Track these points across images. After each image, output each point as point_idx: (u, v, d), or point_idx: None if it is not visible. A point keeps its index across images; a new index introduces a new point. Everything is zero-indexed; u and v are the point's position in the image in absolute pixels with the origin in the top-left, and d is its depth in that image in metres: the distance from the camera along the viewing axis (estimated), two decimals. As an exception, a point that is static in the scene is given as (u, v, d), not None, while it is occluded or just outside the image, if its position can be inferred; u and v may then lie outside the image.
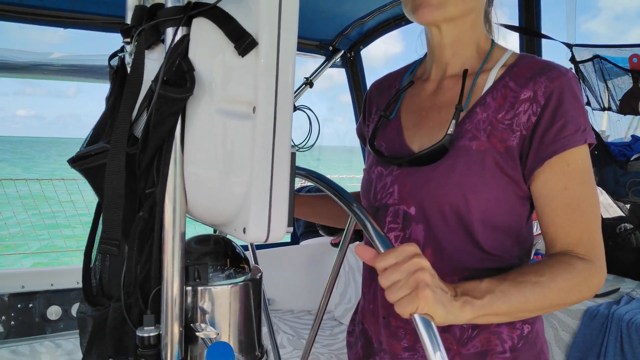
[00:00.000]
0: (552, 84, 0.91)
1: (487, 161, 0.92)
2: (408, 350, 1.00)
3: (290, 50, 0.71)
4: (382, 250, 0.76)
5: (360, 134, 1.28)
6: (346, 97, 3.05)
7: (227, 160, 0.72)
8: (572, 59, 1.83)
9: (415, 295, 0.71)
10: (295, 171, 1.04)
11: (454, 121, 0.95)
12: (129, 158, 0.72)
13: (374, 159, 1.09)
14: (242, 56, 0.69)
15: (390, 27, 2.59)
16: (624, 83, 1.72)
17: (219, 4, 0.70)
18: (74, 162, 0.76)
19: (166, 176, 0.71)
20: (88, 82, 2.06)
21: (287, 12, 0.70)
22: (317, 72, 2.78)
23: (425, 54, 1.13)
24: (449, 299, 0.75)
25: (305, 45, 2.68)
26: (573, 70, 1.86)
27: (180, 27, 0.70)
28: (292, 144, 0.76)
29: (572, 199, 0.89)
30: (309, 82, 2.74)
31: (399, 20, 2.51)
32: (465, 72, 1.00)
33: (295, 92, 2.74)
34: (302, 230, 3.26)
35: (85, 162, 0.74)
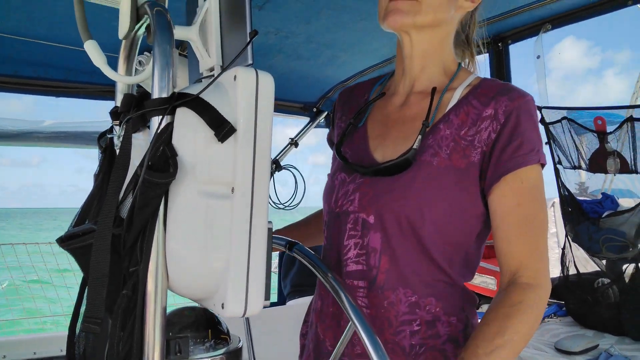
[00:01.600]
0: (512, 103, 0.96)
1: (446, 178, 0.97)
2: (361, 357, 1.01)
3: (266, 135, 0.77)
4: (355, 322, 0.79)
5: (330, 139, 1.31)
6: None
7: (207, 238, 0.76)
8: (542, 120, 1.93)
9: None
10: (280, 243, 1.09)
11: (419, 136, 0.99)
12: (114, 238, 0.76)
13: (339, 164, 1.12)
14: (222, 142, 0.75)
15: (372, 90, 2.71)
16: (592, 143, 1.81)
17: (201, 95, 0.76)
18: (62, 242, 0.80)
19: (149, 255, 0.75)
20: (79, 149, 2.12)
21: (263, 101, 0.77)
22: (302, 132, 2.87)
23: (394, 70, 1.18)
24: None
25: (291, 107, 2.78)
26: (544, 131, 1.95)
27: (165, 116, 0.76)
28: (269, 220, 0.81)
29: (524, 215, 0.95)
30: (294, 142, 2.83)
31: (379, 83, 2.64)
32: (434, 89, 1.05)
33: (281, 152, 2.83)
34: (288, 290, 3.26)
35: (73, 242, 0.78)
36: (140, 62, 1.69)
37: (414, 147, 0.98)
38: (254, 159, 0.76)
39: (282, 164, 2.80)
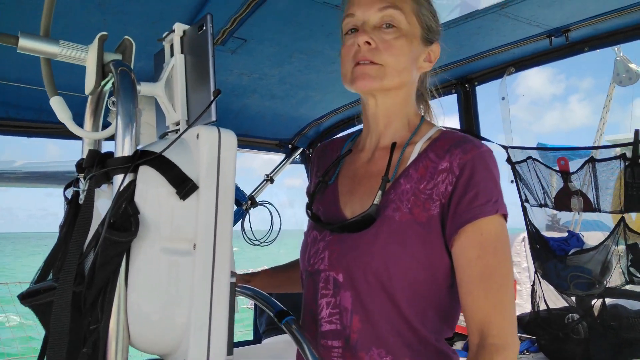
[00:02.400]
0: (465, 156, 0.97)
1: (409, 232, 0.98)
2: None
3: (228, 192, 0.79)
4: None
5: (309, 193, 1.32)
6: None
7: (169, 294, 0.77)
8: (509, 160, 1.99)
9: None
10: (243, 291, 1.10)
11: (380, 192, 1.01)
12: (75, 295, 0.76)
13: (312, 222, 1.13)
14: (183, 200, 0.76)
15: (345, 127, 2.76)
16: (556, 182, 1.87)
17: (163, 154, 0.78)
18: (23, 298, 0.79)
19: (110, 312, 0.75)
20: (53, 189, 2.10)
21: (225, 159, 0.79)
22: (278, 168, 2.89)
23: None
24: None
25: (266, 144, 2.80)
26: (510, 170, 2.01)
27: (128, 174, 0.77)
28: (232, 274, 0.82)
29: (485, 267, 0.94)
30: (269, 179, 2.84)
31: (352, 121, 2.69)
32: (394, 145, 1.06)
33: (256, 189, 2.84)
34: (264, 328, 3.22)
35: (34, 299, 0.78)
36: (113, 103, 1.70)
37: (374, 202, 1.00)
38: (216, 215, 0.78)
39: (257, 200, 2.80)
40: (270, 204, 2.79)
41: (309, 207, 1.15)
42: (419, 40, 1.06)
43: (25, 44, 0.80)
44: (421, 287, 0.98)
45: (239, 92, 2.20)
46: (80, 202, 0.90)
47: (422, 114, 1.16)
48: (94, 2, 1.38)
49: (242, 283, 1.30)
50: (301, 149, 2.90)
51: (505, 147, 1.99)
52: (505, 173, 2.05)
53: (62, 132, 2.11)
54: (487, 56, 1.94)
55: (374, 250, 0.98)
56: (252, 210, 2.79)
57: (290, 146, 2.86)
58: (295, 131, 2.77)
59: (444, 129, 1.11)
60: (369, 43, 1.01)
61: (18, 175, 2.05)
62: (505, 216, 0.98)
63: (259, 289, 1.16)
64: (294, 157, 2.90)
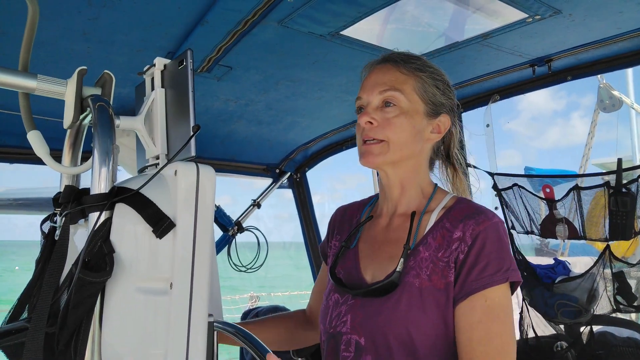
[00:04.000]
0: (478, 227, 1.03)
1: (429, 298, 1.02)
2: None
3: (206, 229, 0.78)
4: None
5: (323, 252, 1.35)
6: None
7: (145, 334, 0.75)
8: (495, 187, 1.99)
9: None
10: (226, 328, 1.08)
11: (402, 260, 1.06)
12: (48, 336, 0.74)
13: (332, 285, 1.17)
14: (160, 238, 0.75)
15: (333, 151, 2.76)
16: (542, 210, 1.87)
17: (141, 190, 0.77)
18: (-7, 339, 0.77)
19: (83, 354, 0.73)
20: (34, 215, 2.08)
21: (204, 196, 0.78)
22: (265, 193, 2.87)
23: None
24: None
25: (253, 169, 2.79)
26: (496, 196, 2.01)
27: (104, 212, 0.76)
28: (211, 313, 0.80)
29: (486, 332, 0.98)
30: (256, 204, 2.82)
31: (340, 145, 2.70)
32: (414, 214, 1.12)
33: (243, 214, 2.82)
34: None
35: (5, 340, 0.76)
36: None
37: (397, 269, 1.05)
38: (193, 253, 0.76)
39: (244, 225, 2.78)
40: (257, 229, 2.77)
41: (332, 270, 1.19)
42: (422, 115, 1.13)
43: (3, 78, 0.80)
44: (442, 349, 1.02)
45: (225, 118, 2.19)
46: (56, 237, 0.88)
47: (437, 184, 1.20)
48: (77, 32, 1.37)
49: None
50: (289, 174, 2.90)
51: (491, 174, 2.00)
52: (490, 199, 2.05)
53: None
54: (471, 84, 1.95)
55: (397, 316, 1.02)
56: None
57: (277, 171, 2.86)
58: (282, 156, 2.77)
59: (458, 196, 1.17)
60: (371, 123, 1.10)
61: (1, 203, 2.02)
62: (516, 284, 1.04)
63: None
64: (281, 181, 2.89)
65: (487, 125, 1.99)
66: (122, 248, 0.75)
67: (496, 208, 1.99)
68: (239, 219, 2.76)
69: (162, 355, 0.74)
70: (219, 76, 1.77)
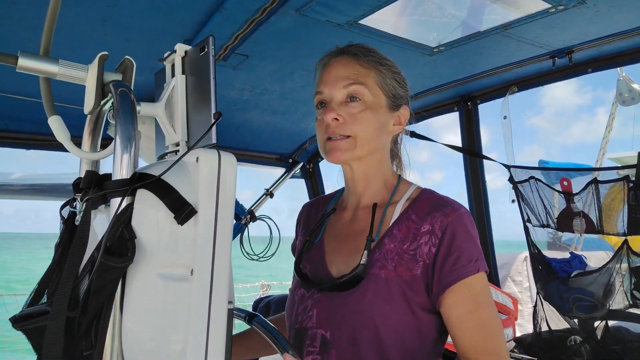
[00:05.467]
0: (446, 219, 1.04)
1: (394, 288, 1.02)
2: None
3: (227, 216, 0.77)
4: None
5: (293, 249, 1.35)
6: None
7: (165, 320, 0.75)
8: (511, 179, 1.97)
9: None
10: (239, 313, 1.08)
11: (366, 252, 1.06)
12: (69, 321, 0.74)
13: (298, 281, 1.17)
14: (181, 225, 0.74)
15: (347, 142, 2.75)
16: (559, 203, 1.85)
17: (162, 177, 0.76)
18: (16, 322, 0.77)
19: (104, 339, 0.73)
20: (50, 201, 2.09)
21: (225, 182, 0.77)
22: (278, 183, 2.87)
23: None
24: None
25: (267, 158, 2.79)
26: (512, 189, 1.99)
27: (125, 197, 0.76)
28: (230, 300, 0.80)
29: (479, 319, 1.01)
30: (269, 193, 2.82)
31: (354, 136, 2.68)
32: (375, 205, 1.12)
33: (256, 203, 2.82)
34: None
35: (26, 323, 0.76)
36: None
37: (361, 262, 1.04)
38: (214, 240, 0.76)
39: (257, 214, 2.78)
40: (270, 218, 2.77)
41: (297, 265, 1.18)
42: (385, 108, 1.13)
43: (25, 63, 0.79)
44: (408, 342, 1.02)
45: (240, 107, 2.19)
46: (77, 222, 0.88)
47: (401, 175, 1.21)
48: (96, 19, 1.37)
49: None
50: (301, 164, 2.89)
51: (508, 167, 1.98)
52: (506, 192, 2.03)
53: (61, 145, 2.10)
54: (489, 75, 1.93)
55: (363, 308, 1.02)
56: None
57: (290, 160, 2.85)
58: (295, 146, 2.76)
59: (421, 187, 1.17)
60: (337, 119, 1.08)
61: (15, 188, 2.04)
62: (487, 273, 1.05)
63: None
64: (294, 171, 2.89)
65: (504, 117, 1.96)
66: (144, 234, 0.75)
67: (513, 201, 1.97)
68: (252, 208, 2.76)
69: (182, 341, 0.74)
70: (235, 65, 1.76)
